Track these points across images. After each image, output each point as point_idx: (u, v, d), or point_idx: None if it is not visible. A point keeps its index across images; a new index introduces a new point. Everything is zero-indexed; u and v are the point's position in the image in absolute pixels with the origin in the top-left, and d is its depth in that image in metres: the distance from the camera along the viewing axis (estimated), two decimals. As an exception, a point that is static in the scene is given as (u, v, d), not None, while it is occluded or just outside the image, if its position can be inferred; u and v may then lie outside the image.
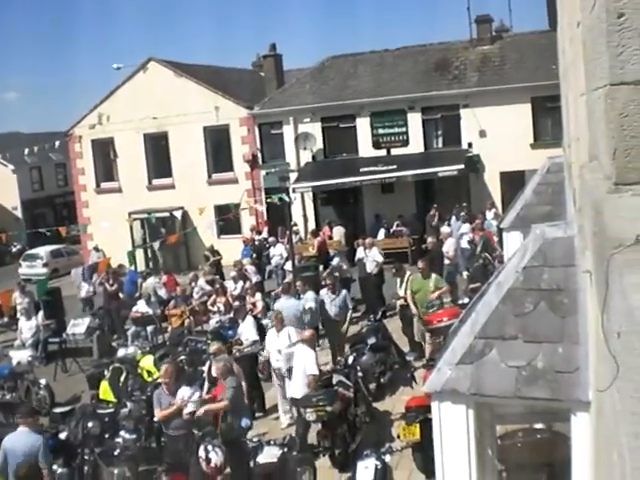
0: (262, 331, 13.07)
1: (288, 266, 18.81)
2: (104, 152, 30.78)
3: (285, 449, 8.86)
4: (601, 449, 2.47)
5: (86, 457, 9.62)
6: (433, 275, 13.89)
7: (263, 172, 28.11)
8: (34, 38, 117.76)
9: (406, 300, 14.04)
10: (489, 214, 23.06)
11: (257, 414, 12.00)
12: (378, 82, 27.32)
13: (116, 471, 9.23)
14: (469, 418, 4.12)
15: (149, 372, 12.73)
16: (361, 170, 25.37)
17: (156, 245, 24.78)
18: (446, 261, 17.88)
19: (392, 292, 15.68)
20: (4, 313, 20.20)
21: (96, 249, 27.87)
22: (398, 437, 9.38)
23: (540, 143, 23.78)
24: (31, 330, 16.80)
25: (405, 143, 26.41)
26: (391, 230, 24.82)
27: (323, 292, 14.40)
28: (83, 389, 13.81)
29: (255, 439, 9.25)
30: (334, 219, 25.66)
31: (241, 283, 17.67)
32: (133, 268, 21.43)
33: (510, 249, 7.86)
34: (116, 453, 9.52)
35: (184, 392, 9.32)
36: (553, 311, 4.00)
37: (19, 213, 46.46)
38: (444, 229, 20.05)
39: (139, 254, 25.61)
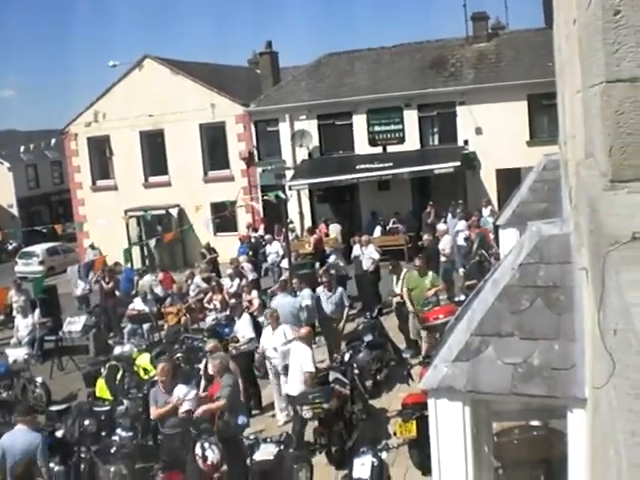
0: (258, 329, 13.07)
1: (284, 264, 18.79)
2: (100, 150, 30.72)
3: (282, 446, 8.86)
4: (597, 446, 2.47)
5: (83, 455, 9.60)
6: (429, 272, 13.91)
7: (259, 169, 28.09)
8: (30, 36, 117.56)
9: (402, 297, 14.06)
10: (485, 211, 23.08)
11: (254, 411, 12.00)
12: (374, 79, 27.29)
13: (113, 469, 9.23)
14: (465, 415, 4.13)
15: (145, 370, 12.71)
16: (357, 167, 25.34)
17: (152, 243, 24.67)
18: (442, 258, 17.89)
19: (388, 289, 15.67)
20: (0, 311, 20.15)
21: (92, 247, 27.81)
22: (394, 434, 9.39)
23: (536, 140, 23.79)
24: (27, 328, 16.75)
25: (401, 140, 26.41)
26: (387, 227, 24.82)
27: (319, 290, 14.39)
28: (79, 387, 13.79)
29: (252, 436, 9.23)
30: (330, 216, 25.66)
31: (237, 281, 17.66)
32: (129, 266, 21.38)
33: (506, 246, 7.87)
34: (113, 451, 9.52)
35: (180, 391, 9.32)
36: (549, 308, 4.01)
37: (15, 211, 46.39)
38: (440, 226, 20.05)
39: (135, 252, 25.59)
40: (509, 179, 21.34)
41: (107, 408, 10.80)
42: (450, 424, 4.16)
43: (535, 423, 5.83)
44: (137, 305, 17.03)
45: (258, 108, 28.06)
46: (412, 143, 26.21)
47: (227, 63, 34.60)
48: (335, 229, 24.06)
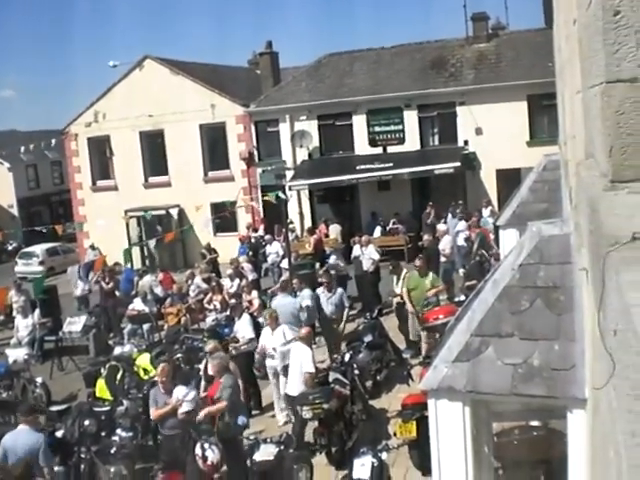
0: (258, 329, 13.07)
1: (284, 264, 18.78)
2: (100, 150, 30.72)
3: (282, 447, 8.85)
4: (597, 446, 2.47)
5: (83, 455, 9.60)
6: (429, 273, 13.92)
7: (259, 170, 28.09)
8: (30, 36, 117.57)
9: (402, 298, 14.06)
10: (485, 212, 23.08)
11: (254, 412, 11.99)
12: (374, 80, 27.30)
13: (113, 469, 9.23)
14: (465, 415, 4.13)
15: (145, 370, 12.70)
16: (357, 168, 25.34)
17: (152, 243, 24.70)
18: (442, 259, 17.88)
19: (388, 290, 15.68)
20: (0, 311, 20.14)
21: (92, 247, 27.79)
22: (394, 434, 9.39)
23: (536, 141, 23.79)
24: (27, 328, 16.75)
25: (401, 141, 26.41)
26: (387, 228, 24.83)
27: (319, 290, 14.38)
28: (79, 387, 13.79)
29: (252, 437, 9.24)
30: (330, 217, 25.66)
31: (237, 281, 17.66)
32: (129, 266, 21.39)
33: (506, 247, 7.87)
34: (113, 451, 9.51)
35: (179, 392, 9.32)
36: (549, 308, 4.01)
37: (15, 211, 46.39)
38: (440, 227, 20.05)
39: (135, 252, 25.60)
40: (509, 179, 21.32)
41: (107, 408, 10.79)
42: (450, 425, 4.16)
43: (535, 423, 5.83)
44: (137, 305, 17.03)
45: (258, 108, 28.06)
46: (412, 143, 26.21)
47: (227, 63, 34.71)
48: (335, 229, 24.06)
